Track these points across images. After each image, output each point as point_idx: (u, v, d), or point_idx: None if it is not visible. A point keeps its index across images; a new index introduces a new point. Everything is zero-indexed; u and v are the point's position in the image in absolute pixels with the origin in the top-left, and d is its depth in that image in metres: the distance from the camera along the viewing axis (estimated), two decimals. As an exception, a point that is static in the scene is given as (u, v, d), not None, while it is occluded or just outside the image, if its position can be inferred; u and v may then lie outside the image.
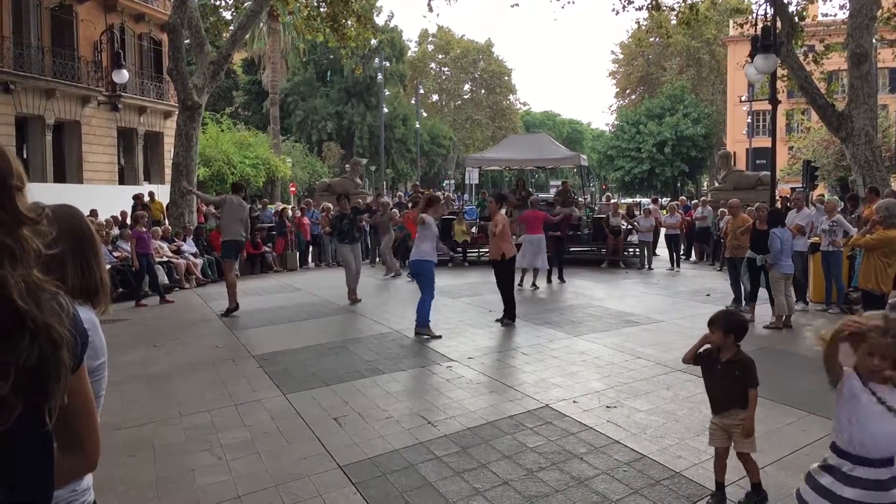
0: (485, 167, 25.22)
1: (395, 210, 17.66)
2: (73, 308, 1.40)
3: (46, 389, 1.29)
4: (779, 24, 14.43)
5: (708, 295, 12.32)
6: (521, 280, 13.30)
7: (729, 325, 3.96)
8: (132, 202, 17.34)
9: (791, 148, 34.71)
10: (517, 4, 38.21)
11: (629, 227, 18.01)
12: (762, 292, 9.87)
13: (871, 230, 7.25)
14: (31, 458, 1.32)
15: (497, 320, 9.68)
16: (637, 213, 19.70)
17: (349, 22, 19.96)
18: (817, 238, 10.93)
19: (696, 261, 18.12)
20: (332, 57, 49.89)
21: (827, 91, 16.00)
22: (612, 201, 21.25)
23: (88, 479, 1.82)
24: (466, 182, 30.64)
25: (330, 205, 19.62)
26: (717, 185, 22.10)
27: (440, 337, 8.70)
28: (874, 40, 15.29)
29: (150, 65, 28.22)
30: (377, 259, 18.56)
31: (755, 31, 14.55)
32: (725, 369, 3.98)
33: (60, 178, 23.71)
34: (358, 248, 12.42)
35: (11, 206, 1.27)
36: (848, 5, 14.73)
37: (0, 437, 1.24)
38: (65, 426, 1.43)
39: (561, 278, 14.10)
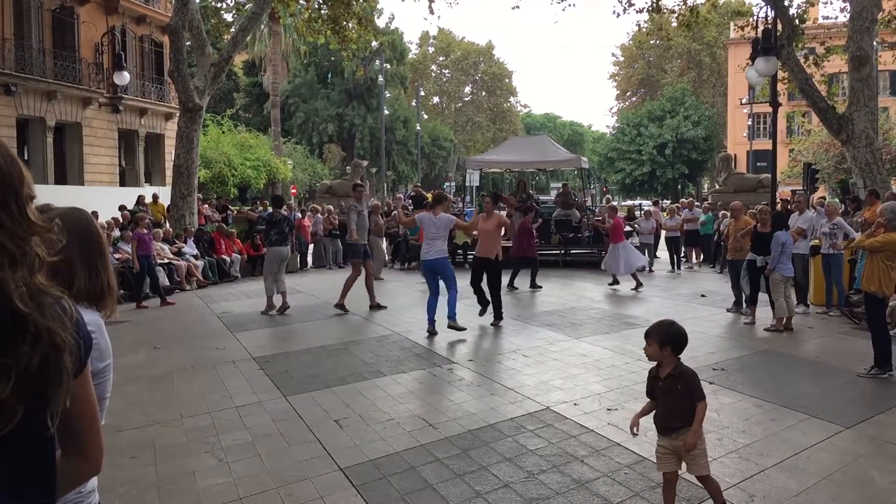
0: (485, 169, 25.25)
1: (395, 212, 17.66)
2: (76, 312, 1.40)
3: (48, 394, 1.29)
4: (779, 26, 14.44)
5: (703, 296, 12.34)
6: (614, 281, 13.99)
7: (664, 336, 3.72)
8: (119, 212, 17.13)
9: (792, 150, 34.72)
10: (518, 7, 38.20)
11: (630, 229, 18.00)
12: (763, 295, 9.88)
13: (875, 232, 7.24)
14: (34, 463, 1.32)
15: (492, 324, 9.77)
16: (638, 215, 19.69)
17: (350, 24, 19.97)
18: (818, 241, 10.92)
19: (690, 265, 17.86)
20: (333, 59, 49.88)
21: (828, 94, 16.00)
22: (612, 203, 21.22)
23: (94, 480, 1.82)
24: (467, 184, 30.67)
25: (331, 207, 19.67)
26: (717, 187, 22.10)
27: (465, 329, 9.22)
28: (875, 43, 15.29)
29: (151, 67, 28.24)
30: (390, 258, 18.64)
31: (756, 33, 14.56)
32: (667, 385, 3.74)
33: (61, 179, 23.74)
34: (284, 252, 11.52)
35: (23, 215, 1.28)
36: (849, 8, 14.72)
37: (1, 442, 1.24)
38: (68, 431, 1.43)
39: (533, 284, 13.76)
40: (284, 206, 12.14)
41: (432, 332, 9.04)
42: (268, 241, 11.59)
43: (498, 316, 9.86)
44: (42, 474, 1.35)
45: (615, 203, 23.66)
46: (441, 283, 9.35)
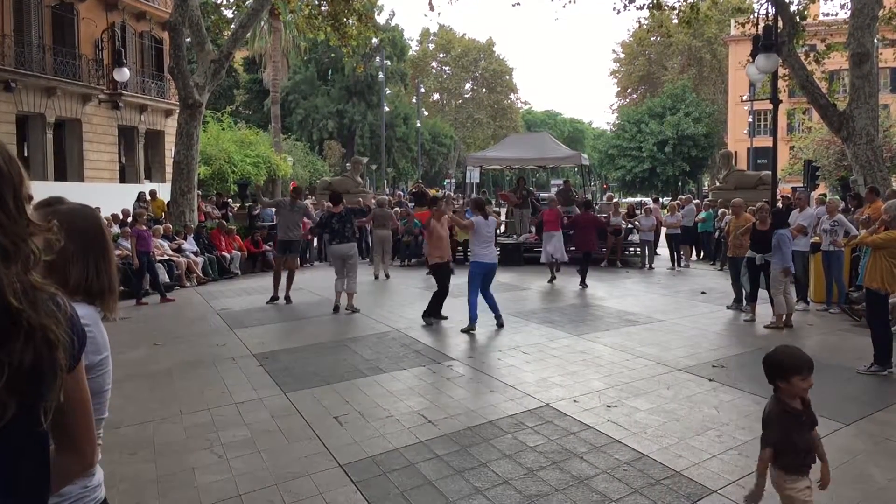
0: (486, 166, 25.22)
1: (396, 209, 17.63)
2: (70, 308, 1.41)
3: (41, 390, 1.30)
4: (780, 23, 14.42)
5: (703, 293, 12.35)
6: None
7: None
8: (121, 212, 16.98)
9: (792, 147, 34.69)
10: (518, 3, 38.03)
11: (629, 226, 18.00)
12: (763, 292, 9.88)
13: (878, 229, 7.24)
14: (27, 459, 1.32)
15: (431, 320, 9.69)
16: (638, 212, 19.64)
17: (350, 20, 19.94)
18: (818, 238, 10.93)
19: (686, 265, 17.45)
20: (333, 55, 49.90)
21: (828, 91, 16.00)
22: (614, 200, 21.20)
23: (100, 475, 1.83)
24: (467, 181, 30.68)
25: (330, 203, 19.64)
26: (718, 184, 22.09)
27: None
28: (875, 40, 15.27)
29: (151, 63, 28.20)
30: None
31: (756, 30, 14.54)
32: (808, 417, 3.25)
33: (61, 176, 23.71)
34: (353, 248, 11.10)
35: (21, 213, 1.29)
36: (849, 5, 14.70)
37: None
38: (60, 426, 1.44)
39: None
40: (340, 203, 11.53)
41: (472, 330, 9.09)
42: (340, 237, 11.11)
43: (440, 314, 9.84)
44: (35, 469, 1.35)
45: (616, 200, 23.58)
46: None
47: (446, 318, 9.77)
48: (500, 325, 9.35)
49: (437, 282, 9.85)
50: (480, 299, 9.31)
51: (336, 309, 10.76)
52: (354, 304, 10.77)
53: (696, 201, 21.14)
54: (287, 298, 11.76)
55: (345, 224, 10.98)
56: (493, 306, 9.46)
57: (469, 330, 9.07)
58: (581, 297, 12.11)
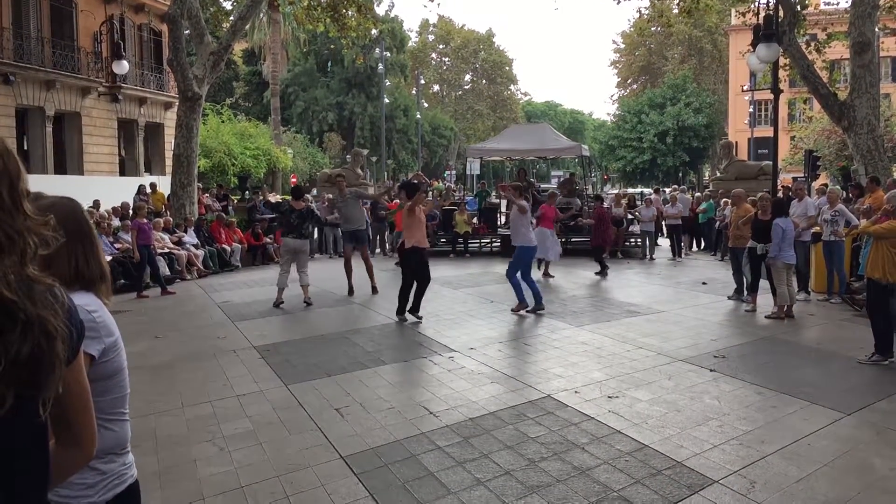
0: (486, 158, 25.16)
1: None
2: (69, 300, 1.41)
3: (39, 381, 1.30)
4: (781, 12, 14.37)
5: (704, 283, 12.35)
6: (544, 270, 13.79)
7: None
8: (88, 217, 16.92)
9: (793, 137, 34.59)
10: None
11: (632, 217, 18.00)
12: (764, 282, 9.88)
13: (879, 219, 7.23)
14: (26, 450, 1.32)
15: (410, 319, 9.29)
16: (639, 203, 19.61)
17: (350, 12, 19.86)
18: (819, 228, 10.91)
19: (686, 253, 17.60)
20: (332, 47, 49.75)
21: (829, 80, 15.94)
22: (616, 192, 21.15)
23: (132, 455, 1.91)
24: (468, 173, 30.63)
25: (331, 195, 19.63)
26: (718, 174, 22.05)
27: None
28: (877, 29, 15.22)
29: (150, 56, 28.12)
30: (377, 250, 18.57)
31: (757, 19, 14.49)
32: None
33: (61, 169, 23.68)
34: (305, 245, 11.12)
35: (17, 206, 1.29)
36: (850, -7, 14.65)
37: None
38: (60, 419, 1.44)
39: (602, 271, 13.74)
40: (303, 198, 11.46)
41: (541, 309, 9.71)
42: (297, 233, 10.99)
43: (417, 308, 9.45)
44: (34, 461, 1.35)
45: (620, 192, 23.53)
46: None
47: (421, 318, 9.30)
48: (535, 309, 9.75)
49: (414, 270, 9.30)
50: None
51: (278, 304, 10.67)
52: (309, 296, 10.80)
53: (698, 194, 21.08)
54: (373, 289, 11.67)
55: (303, 221, 10.93)
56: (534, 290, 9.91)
57: (538, 309, 9.65)
58: (582, 289, 12.11)
